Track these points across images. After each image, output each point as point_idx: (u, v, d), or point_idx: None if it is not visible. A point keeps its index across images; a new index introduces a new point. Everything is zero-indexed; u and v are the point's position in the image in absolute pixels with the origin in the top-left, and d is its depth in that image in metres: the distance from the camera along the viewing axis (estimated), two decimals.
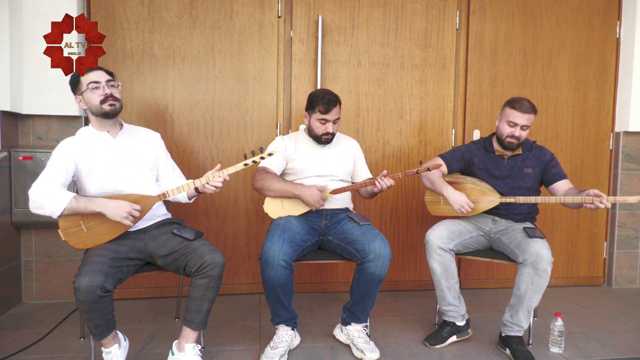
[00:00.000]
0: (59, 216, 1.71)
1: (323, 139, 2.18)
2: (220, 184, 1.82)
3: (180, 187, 1.82)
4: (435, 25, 2.88)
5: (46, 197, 1.68)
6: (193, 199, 2.02)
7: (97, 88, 1.81)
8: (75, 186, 1.92)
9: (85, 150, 1.83)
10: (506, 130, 2.18)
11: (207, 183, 1.81)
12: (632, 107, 2.98)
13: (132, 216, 1.74)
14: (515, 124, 2.14)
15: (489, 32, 2.93)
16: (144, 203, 1.80)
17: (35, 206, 1.70)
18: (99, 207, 1.72)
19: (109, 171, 1.85)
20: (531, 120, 2.16)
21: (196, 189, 1.87)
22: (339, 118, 2.19)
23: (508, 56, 2.96)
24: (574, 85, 3.04)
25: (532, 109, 2.15)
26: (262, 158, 1.82)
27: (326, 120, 2.15)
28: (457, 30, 2.91)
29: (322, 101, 2.12)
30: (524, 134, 2.17)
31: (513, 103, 2.16)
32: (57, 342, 2.11)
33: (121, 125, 1.95)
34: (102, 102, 1.80)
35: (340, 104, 2.18)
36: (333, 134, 2.19)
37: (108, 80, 1.84)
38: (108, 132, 1.89)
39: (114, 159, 1.87)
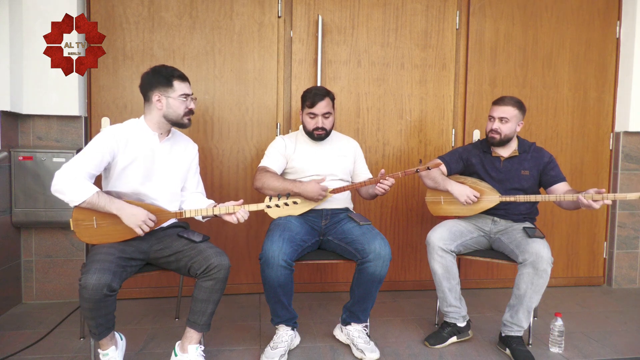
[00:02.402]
0: (76, 206, 1.71)
1: (315, 135, 2.18)
2: (243, 219, 1.85)
3: (198, 210, 1.85)
4: (435, 25, 2.88)
5: (70, 184, 1.67)
6: (206, 220, 2.04)
7: (185, 100, 1.86)
8: (103, 174, 1.88)
9: (127, 144, 1.83)
10: (487, 126, 2.24)
11: (233, 213, 1.84)
12: (632, 107, 2.99)
13: (147, 225, 1.74)
14: (493, 117, 2.19)
15: (489, 32, 2.93)
16: (159, 216, 1.81)
17: (56, 189, 1.69)
18: (117, 209, 1.71)
19: (143, 173, 1.85)
20: (509, 112, 2.17)
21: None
22: (329, 112, 2.18)
23: (508, 56, 2.96)
24: (574, 85, 3.04)
25: (511, 103, 2.18)
26: (286, 204, 1.85)
27: (315, 115, 2.15)
28: (457, 30, 2.91)
29: (308, 95, 2.15)
30: (504, 128, 2.18)
31: (494, 100, 2.25)
32: (57, 342, 2.11)
33: (169, 130, 1.96)
34: (185, 114, 1.86)
35: (330, 98, 2.18)
36: (324, 129, 2.18)
37: (192, 94, 1.90)
38: (160, 134, 1.90)
39: (151, 163, 1.87)
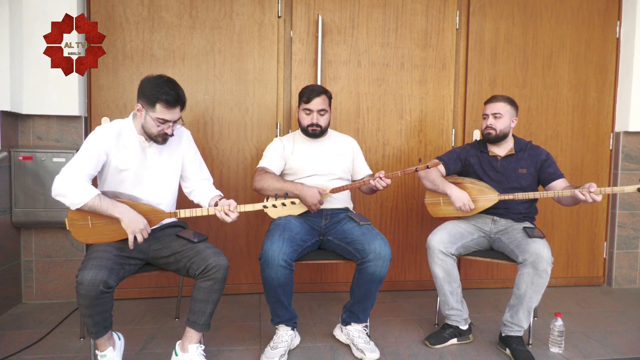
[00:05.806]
0: (76, 208, 1.70)
1: (310, 131, 2.19)
2: (229, 219, 1.84)
3: (193, 210, 1.84)
4: (435, 25, 2.88)
5: (71, 187, 1.67)
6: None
7: (162, 124, 1.78)
8: (98, 175, 1.87)
9: (118, 145, 1.81)
10: (482, 124, 2.27)
11: (227, 215, 1.82)
12: (632, 107, 2.99)
13: (141, 235, 1.73)
14: (487, 115, 2.24)
15: (489, 32, 2.93)
16: (154, 216, 1.80)
17: (57, 193, 1.68)
18: (120, 213, 1.70)
19: (134, 175, 1.84)
20: (501, 108, 2.21)
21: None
22: (324, 109, 2.18)
23: (508, 56, 2.96)
24: (574, 85, 3.04)
25: (502, 99, 2.24)
26: (284, 205, 1.84)
27: (310, 111, 2.17)
28: (457, 30, 2.91)
29: (305, 91, 2.18)
30: (498, 124, 2.21)
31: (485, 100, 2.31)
32: (57, 342, 2.11)
33: None
34: (159, 135, 1.81)
35: (327, 96, 2.20)
36: (320, 126, 2.19)
37: (176, 121, 1.82)
38: (145, 139, 1.87)
39: (141, 164, 1.86)
